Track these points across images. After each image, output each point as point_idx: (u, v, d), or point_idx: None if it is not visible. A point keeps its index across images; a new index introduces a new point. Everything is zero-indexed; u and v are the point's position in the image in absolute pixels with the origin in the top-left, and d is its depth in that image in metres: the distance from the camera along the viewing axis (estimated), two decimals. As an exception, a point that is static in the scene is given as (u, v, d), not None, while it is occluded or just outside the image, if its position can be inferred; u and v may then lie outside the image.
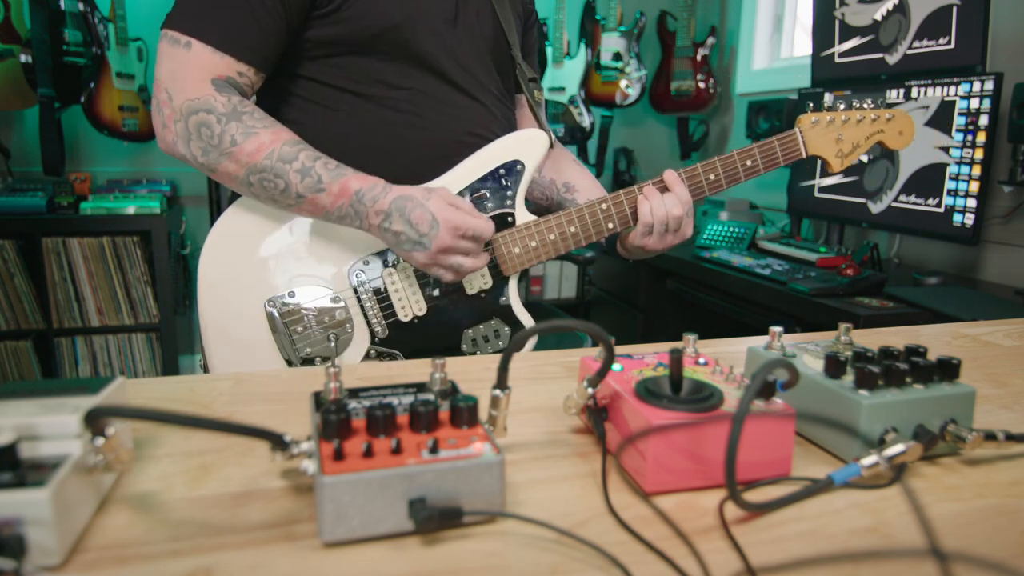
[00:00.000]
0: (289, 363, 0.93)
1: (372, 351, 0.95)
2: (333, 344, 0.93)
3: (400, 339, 0.96)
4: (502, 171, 0.97)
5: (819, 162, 1.04)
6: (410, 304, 0.95)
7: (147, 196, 2.55)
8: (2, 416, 0.37)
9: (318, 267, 0.94)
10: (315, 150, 0.88)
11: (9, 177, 2.61)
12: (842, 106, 1.02)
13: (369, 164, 0.91)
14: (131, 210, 2.46)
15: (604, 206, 0.98)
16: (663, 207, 0.96)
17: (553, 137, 1.03)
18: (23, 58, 2.41)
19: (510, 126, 1.08)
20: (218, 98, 0.85)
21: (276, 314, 0.92)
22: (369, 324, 0.95)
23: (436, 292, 0.96)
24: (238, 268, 0.93)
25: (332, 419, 0.39)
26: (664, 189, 0.98)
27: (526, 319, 1.00)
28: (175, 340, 2.61)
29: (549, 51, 3.12)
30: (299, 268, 0.94)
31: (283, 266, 0.94)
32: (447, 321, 0.97)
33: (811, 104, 1.04)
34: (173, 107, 0.85)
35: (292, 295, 0.93)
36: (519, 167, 0.98)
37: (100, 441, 0.38)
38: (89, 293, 2.50)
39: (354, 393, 0.46)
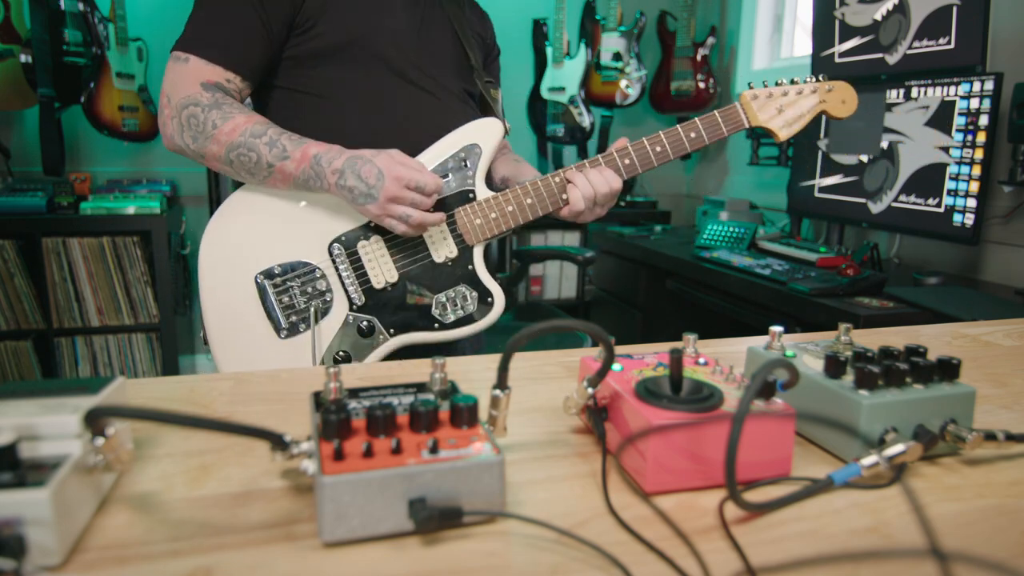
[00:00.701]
0: (277, 330, 1.05)
1: (350, 317, 1.06)
2: (313, 309, 1.05)
3: (375, 305, 1.06)
4: (462, 154, 1.09)
5: (768, 136, 1.10)
6: (383, 272, 1.05)
7: (147, 196, 2.55)
8: (2, 416, 0.37)
9: (301, 243, 1.06)
10: (282, 129, 1.01)
11: (9, 177, 2.60)
12: (784, 81, 1.10)
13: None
14: (131, 210, 2.46)
15: (556, 179, 1.08)
16: (591, 187, 1.06)
17: (507, 126, 1.15)
18: (23, 58, 2.40)
19: (470, 120, 1.20)
20: (204, 94, 1.01)
21: (265, 285, 1.05)
22: (347, 291, 1.06)
23: (406, 260, 1.06)
24: (233, 248, 1.06)
25: (332, 419, 0.39)
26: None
27: (491, 285, 1.09)
28: (175, 340, 2.61)
29: (549, 51, 3.13)
30: (285, 245, 1.06)
31: (271, 245, 1.06)
32: (418, 287, 1.07)
33: (751, 84, 1.12)
34: (171, 107, 1.01)
35: (278, 268, 1.05)
36: (477, 149, 1.09)
37: (100, 441, 0.38)
38: (89, 293, 2.50)
39: (354, 393, 0.46)
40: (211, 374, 0.83)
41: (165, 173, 2.84)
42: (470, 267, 1.08)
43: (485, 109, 1.28)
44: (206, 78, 1.02)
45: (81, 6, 2.45)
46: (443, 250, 1.07)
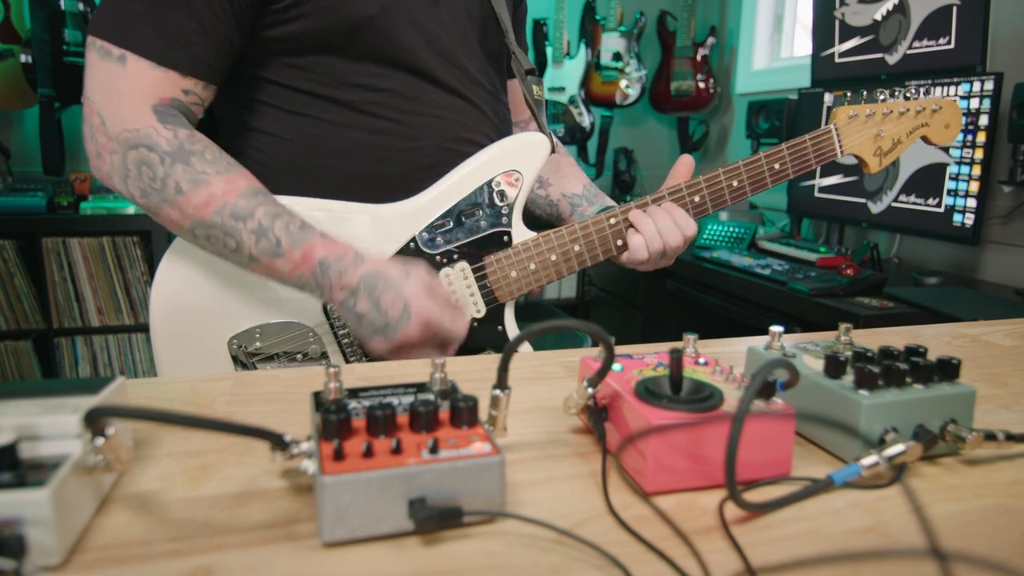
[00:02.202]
0: None
1: None
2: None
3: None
4: (498, 182, 0.87)
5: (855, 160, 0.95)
6: None
7: (147, 196, 2.55)
8: (2, 416, 0.37)
9: (289, 299, 0.84)
10: (276, 203, 0.76)
11: (9, 177, 2.60)
12: (882, 96, 0.90)
13: (346, 178, 0.84)
14: (131, 210, 2.46)
15: (612, 221, 0.88)
16: (659, 240, 0.87)
17: (555, 140, 0.93)
18: (23, 58, 2.41)
19: (504, 126, 0.99)
20: (162, 132, 0.73)
21: (243, 355, 0.83)
22: (347, 359, 0.85)
23: None
24: (196, 302, 0.83)
25: (332, 419, 0.39)
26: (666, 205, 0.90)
27: (523, 348, 0.92)
28: (175, 340, 2.61)
29: (549, 51, 3.13)
30: (267, 301, 0.84)
31: (247, 299, 0.83)
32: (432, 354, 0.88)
33: (848, 94, 0.92)
34: (108, 135, 0.73)
35: (259, 333, 0.83)
36: (516, 176, 0.87)
37: (100, 441, 0.38)
38: (89, 293, 2.50)
39: (354, 393, 0.46)
40: (211, 374, 0.82)
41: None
42: (500, 328, 0.88)
43: (510, 85, 1.04)
44: (158, 95, 0.73)
45: (81, 6, 2.45)
46: (468, 309, 0.87)
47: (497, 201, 0.87)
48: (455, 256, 0.86)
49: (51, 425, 0.37)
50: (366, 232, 0.85)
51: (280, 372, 0.67)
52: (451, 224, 0.86)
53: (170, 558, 0.36)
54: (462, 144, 0.89)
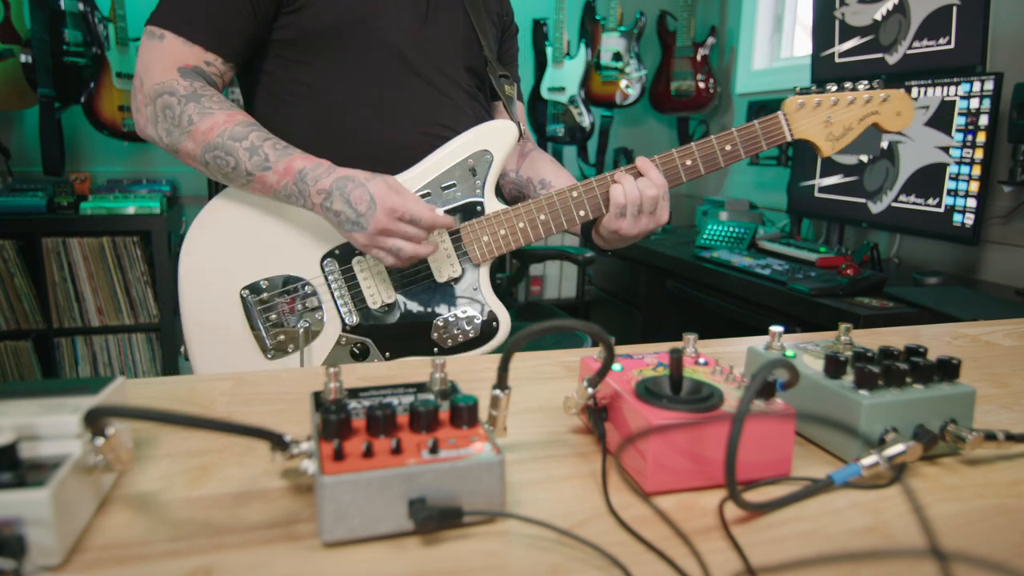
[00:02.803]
0: (263, 350, 0.96)
1: (343, 338, 0.97)
2: (302, 330, 0.96)
3: (370, 327, 0.98)
4: (471, 161, 0.99)
5: (814, 152, 1.01)
6: (379, 291, 0.97)
7: (147, 196, 2.55)
8: (2, 416, 0.37)
9: (291, 256, 0.97)
10: (267, 132, 0.92)
11: (9, 177, 2.60)
12: (833, 87, 0.97)
13: (334, 155, 0.93)
14: (131, 210, 2.46)
15: (575, 193, 0.98)
16: (636, 189, 0.95)
17: (524, 128, 1.03)
18: (23, 58, 2.40)
19: (480, 121, 1.07)
20: (181, 82, 0.90)
21: (250, 301, 0.96)
22: (339, 311, 0.97)
23: (405, 279, 0.98)
24: (216, 258, 0.97)
25: (332, 419, 0.39)
26: (637, 175, 0.97)
27: (498, 308, 0.99)
28: (175, 340, 2.61)
29: (549, 51, 3.13)
30: (273, 257, 0.97)
31: (258, 256, 0.97)
32: (417, 308, 0.98)
33: (797, 87, 0.99)
34: (144, 92, 0.91)
35: (266, 283, 0.96)
36: (488, 156, 0.99)
37: (100, 441, 0.38)
38: (89, 293, 2.49)
39: (354, 393, 0.46)
40: (211, 374, 0.82)
41: (165, 173, 2.84)
42: (475, 288, 0.99)
43: (494, 105, 1.18)
44: (183, 61, 0.91)
45: (81, 6, 2.45)
46: (446, 269, 0.98)
47: (471, 176, 0.99)
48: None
49: (51, 425, 0.37)
50: None
51: (280, 372, 0.67)
52: (432, 195, 0.99)
53: (170, 558, 0.36)
54: (442, 130, 1.01)
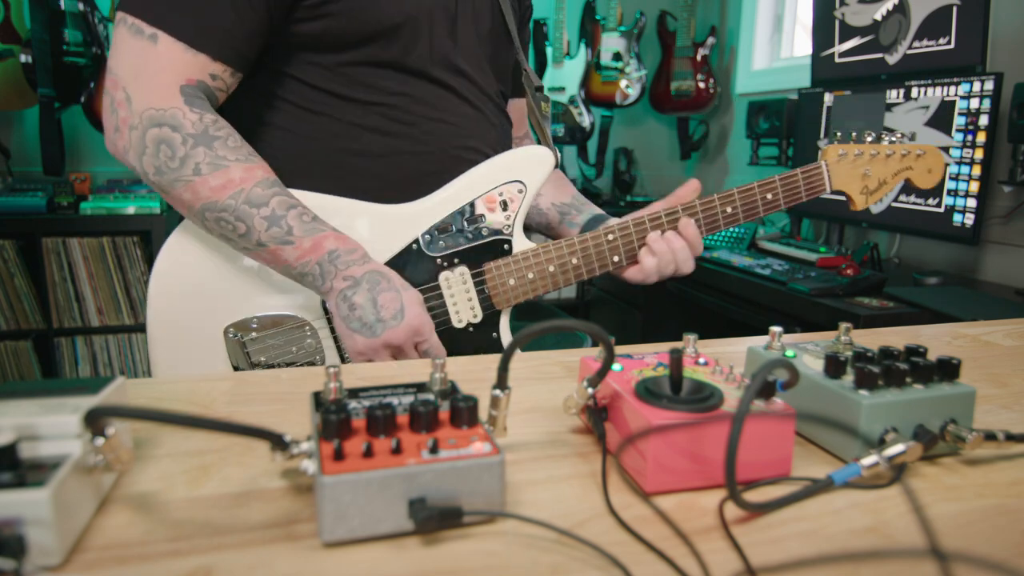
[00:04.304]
0: None
1: None
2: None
3: None
4: (500, 192, 0.89)
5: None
6: None
7: (147, 196, 2.55)
8: (2, 416, 0.37)
9: (289, 292, 0.85)
10: (291, 196, 0.79)
11: (9, 177, 2.60)
12: (870, 138, 0.96)
13: (354, 175, 0.86)
14: (131, 210, 2.46)
15: (611, 237, 0.90)
16: (669, 252, 0.89)
17: (558, 156, 0.95)
18: (23, 58, 2.41)
19: (506, 139, 1.00)
20: (188, 114, 0.74)
21: (238, 343, 0.84)
22: (342, 356, 0.86)
23: None
24: (195, 289, 0.84)
25: (332, 419, 0.39)
26: (673, 221, 0.91)
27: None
28: (175, 340, 2.61)
29: (549, 51, 3.13)
30: (266, 292, 0.85)
31: (247, 289, 0.84)
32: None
33: (838, 134, 0.97)
34: (132, 111, 0.74)
35: (256, 322, 0.84)
36: (520, 188, 0.89)
37: (100, 441, 0.38)
38: (89, 293, 2.50)
39: (354, 393, 0.46)
40: (211, 374, 0.82)
41: (165, 173, 2.84)
42: (494, 335, 0.90)
43: (518, 121, 1.06)
44: (186, 76, 0.74)
45: (81, 6, 2.45)
46: (465, 314, 0.88)
47: (500, 210, 0.89)
48: (455, 260, 0.87)
49: (51, 425, 0.37)
50: (371, 230, 0.86)
51: (280, 372, 0.67)
52: (454, 228, 0.88)
53: (170, 558, 0.36)
54: (468, 152, 0.91)
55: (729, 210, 0.92)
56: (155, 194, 2.60)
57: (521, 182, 0.89)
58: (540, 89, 1.00)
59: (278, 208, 0.76)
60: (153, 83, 0.74)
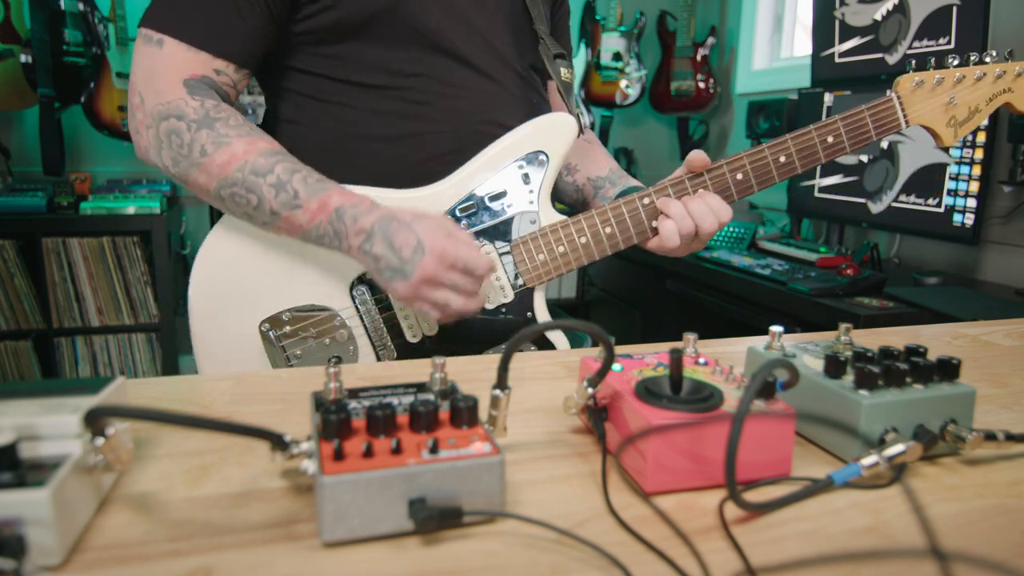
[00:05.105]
0: None
1: None
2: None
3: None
4: (522, 164, 0.85)
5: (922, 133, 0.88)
6: (419, 323, 0.85)
7: (147, 196, 2.56)
8: (2, 416, 0.37)
9: (317, 284, 0.85)
10: (295, 161, 0.79)
11: (9, 177, 2.61)
12: (954, 62, 0.83)
13: (375, 162, 0.86)
14: (131, 210, 2.46)
15: (646, 201, 0.85)
16: (690, 222, 0.83)
17: (583, 122, 0.91)
18: (23, 58, 2.41)
19: (535, 112, 0.94)
20: (189, 102, 0.77)
21: (272, 337, 0.84)
22: (374, 346, 0.85)
23: None
24: (230, 287, 0.85)
25: (332, 419, 0.39)
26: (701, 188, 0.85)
27: (558, 337, 0.88)
28: (175, 340, 2.61)
29: (549, 51, 3.12)
30: (296, 286, 0.85)
31: (278, 284, 0.85)
32: (463, 341, 0.85)
33: (913, 62, 0.86)
34: (145, 111, 0.79)
35: (288, 316, 0.84)
36: (542, 158, 0.85)
37: (100, 441, 0.38)
38: (89, 293, 2.50)
39: (354, 393, 0.46)
40: (211, 374, 0.82)
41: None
42: (529, 314, 0.86)
43: (551, 97, 1.01)
44: (189, 72, 0.78)
45: (81, 6, 2.45)
46: (496, 295, 0.85)
47: (523, 183, 0.85)
48: (481, 239, 0.85)
49: (51, 425, 0.37)
50: None
51: (280, 372, 0.67)
52: (477, 206, 0.86)
53: (170, 558, 0.36)
54: (492, 127, 0.88)
55: (783, 159, 0.84)
56: (155, 194, 2.60)
57: (543, 152, 0.86)
58: (560, 56, 0.95)
59: (283, 174, 0.77)
60: (160, 82, 0.78)
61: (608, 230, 0.85)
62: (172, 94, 0.78)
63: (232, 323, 0.85)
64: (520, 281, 0.86)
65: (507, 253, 0.85)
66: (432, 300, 0.76)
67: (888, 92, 0.85)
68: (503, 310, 0.86)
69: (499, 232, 0.86)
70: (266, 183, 0.77)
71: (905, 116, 0.84)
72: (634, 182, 1.00)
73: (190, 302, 0.86)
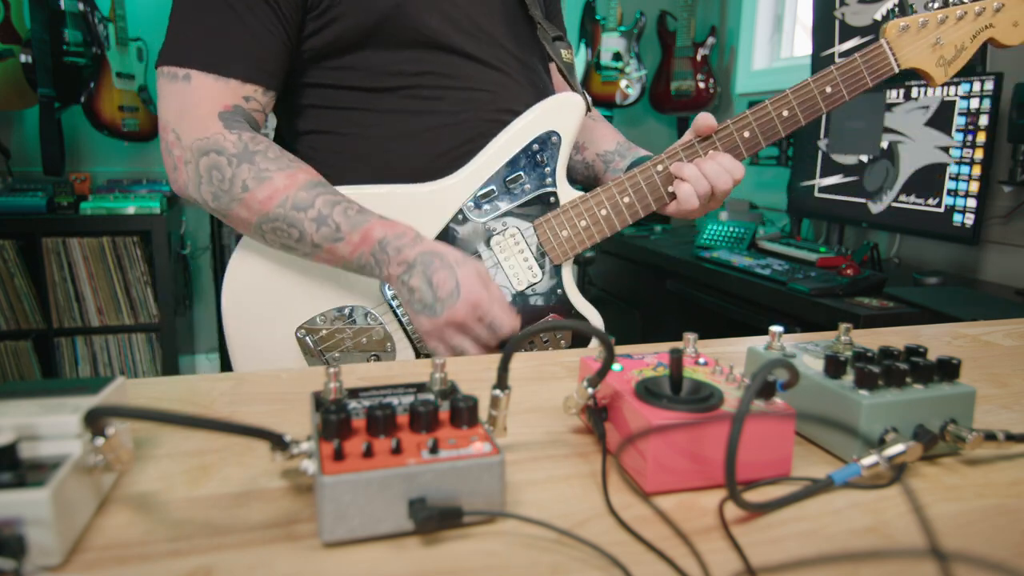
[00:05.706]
0: None
1: None
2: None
3: None
4: (535, 146, 0.87)
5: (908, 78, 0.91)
6: None
7: (147, 196, 2.56)
8: (2, 416, 0.37)
9: (349, 285, 0.87)
10: (335, 192, 0.81)
11: (9, 177, 2.61)
12: (936, 4, 0.86)
13: (398, 159, 0.87)
14: (131, 210, 2.47)
15: (660, 168, 0.87)
16: (706, 183, 0.84)
17: (588, 100, 0.92)
18: (23, 58, 2.41)
19: (543, 94, 0.96)
20: (228, 136, 0.79)
21: (310, 342, 0.86)
22: (411, 339, 0.87)
23: None
24: (263, 295, 0.87)
25: (332, 419, 0.39)
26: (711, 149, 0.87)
27: (588, 310, 0.90)
28: (175, 340, 2.61)
29: (549, 51, 3.13)
30: (328, 289, 0.87)
31: (310, 290, 0.86)
32: None
33: (896, 8, 0.92)
34: (183, 147, 0.80)
35: (323, 319, 0.86)
36: (555, 138, 0.88)
37: (100, 441, 0.38)
38: (89, 293, 2.50)
39: (354, 393, 0.46)
40: (211, 374, 0.82)
41: (165, 173, 2.85)
42: (559, 291, 0.88)
43: (555, 80, 1.03)
44: (223, 103, 0.79)
45: (81, 6, 2.46)
46: (524, 275, 0.87)
47: (538, 163, 0.87)
48: (504, 222, 0.87)
49: (51, 425, 0.37)
50: (413, 212, 0.87)
51: (280, 372, 0.67)
52: (496, 192, 0.88)
53: (170, 558, 0.36)
54: (503, 114, 0.90)
55: (786, 113, 0.87)
56: (155, 194, 2.60)
57: (555, 131, 0.88)
58: (559, 38, 0.97)
59: (323, 207, 0.79)
60: (195, 116, 0.79)
61: (627, 200, 0.87)
62: (210, 129, 0.79)
63: (267, 332, 0.87)
64: (546, 259, 0.88)
65: (531, 232, 0.87)
66: (451, 344, 0.79)
67: (879, 40, 0.88)
68: (532, 290, 0.88)
69: (521, 213, 0.88)
70: (307, 217, 0.78)
71: (896, 60, 0.87)
72: (643, 152, 1.02)
73: (224, 317, 0.88)
